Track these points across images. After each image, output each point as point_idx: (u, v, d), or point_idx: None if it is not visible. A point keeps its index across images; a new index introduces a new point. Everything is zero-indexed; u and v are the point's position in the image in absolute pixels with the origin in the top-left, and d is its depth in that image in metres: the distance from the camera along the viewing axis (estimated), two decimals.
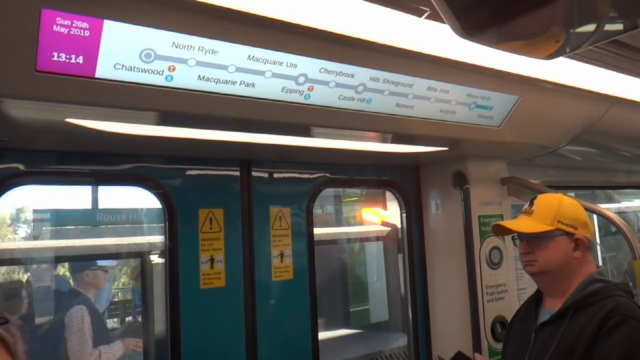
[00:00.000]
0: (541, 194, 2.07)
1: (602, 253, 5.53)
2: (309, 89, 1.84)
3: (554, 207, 1.92)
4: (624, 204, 6.49)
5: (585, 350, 1.68)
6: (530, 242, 1.91)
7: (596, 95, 2.61)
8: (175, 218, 2.33)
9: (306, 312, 2.64)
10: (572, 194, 3.86)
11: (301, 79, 1.79)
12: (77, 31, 1.37)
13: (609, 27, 1.36)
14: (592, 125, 2.87)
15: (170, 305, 2.29)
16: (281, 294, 2.57)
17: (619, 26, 1.37)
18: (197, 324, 2.32)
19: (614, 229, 5.27)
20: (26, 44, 1.33)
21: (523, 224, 1.94)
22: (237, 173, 2.54)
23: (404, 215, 3.11)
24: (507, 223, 2.06)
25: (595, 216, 5.44)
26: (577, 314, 1.77)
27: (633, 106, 2.87)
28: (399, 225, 3.17)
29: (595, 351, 1.65)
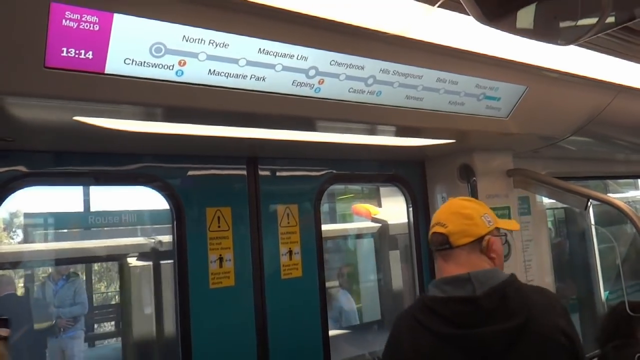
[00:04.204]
0: None
1: (597, 244, 5.46)
2: (319, 82, 1.81)
3: None
4: (619, 195, 6.51)
5: None
6: None
7: (602, 83, 2.60)
8: (183, 217, 2.30)
9: (316, 309, 2.62)
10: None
11: (312, 72, 1.77)
12: (87, 25, 1.34)
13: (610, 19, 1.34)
14: (598, 114, 2.85)
15: (180, 306, 2.26)
16: (291, 292, 2.55)
17: (620, 17, 1.36)
18: (208, 324, 2.29)
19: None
20: (35, 39, 1.29)
21: None
22: (244, 171, 2.51)
23: (411, 209, 3.09)
24: None
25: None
26: None
27: (638, 95, 2.85)
28: (407, 220, 3.14)
29: None
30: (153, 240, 5.52)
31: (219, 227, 2.38)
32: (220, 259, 2.37)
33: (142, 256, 5.45)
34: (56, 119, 1.66)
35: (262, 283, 2.46)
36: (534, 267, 3.20)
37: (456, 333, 1.52)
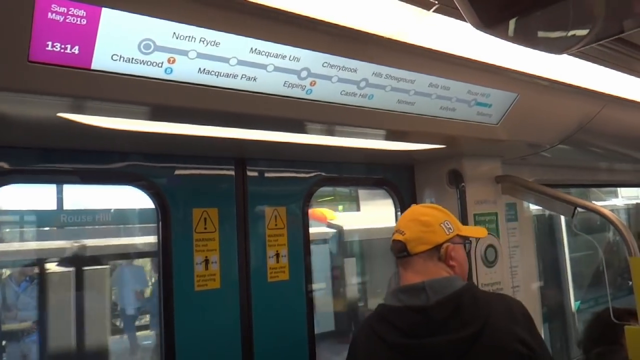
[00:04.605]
0: None
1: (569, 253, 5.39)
2: (311, 83, 1.79)
3: None
4: (602, 202, 6.56)
5: None
6: None
7: (591, 93, 2.61)
8: (169, 218, 2.26)
9: (302, 313, 2.58)
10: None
11: (304, 73, 1.74)
12: (74, 19, 1.30)
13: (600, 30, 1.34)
14: (587, 123, 2.87)
15: (165, 308, 2.21)
16: (277, 295, 2.51)
17: (610, 30, 1.35)
18: (192, 327, 2.25)
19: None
20: (19, 32, 1.25)
21: None
22: (232, 172, 2.47)
23: (399, 214, 3.07)
24: None
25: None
26: None
27: (626, 105, 2.88)
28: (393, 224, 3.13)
29: None
30: (77, 244, 5.19)
31: (205, 228, 2.34)
32: (206, 261, 2.33)
33: (62, 262, 5.02)
34: (39, 115, 1.61)
35: (248, 286, 2.42)
36: (520, 273, 3.21)
37: (408, 343, 1.51)
